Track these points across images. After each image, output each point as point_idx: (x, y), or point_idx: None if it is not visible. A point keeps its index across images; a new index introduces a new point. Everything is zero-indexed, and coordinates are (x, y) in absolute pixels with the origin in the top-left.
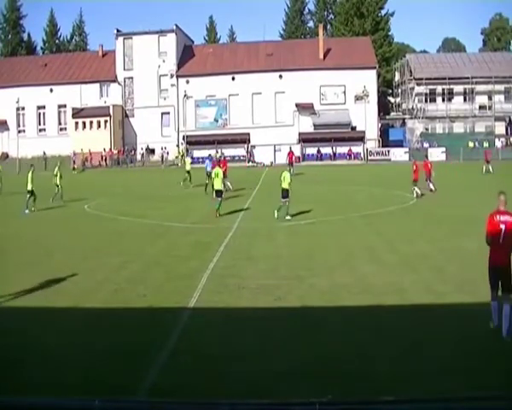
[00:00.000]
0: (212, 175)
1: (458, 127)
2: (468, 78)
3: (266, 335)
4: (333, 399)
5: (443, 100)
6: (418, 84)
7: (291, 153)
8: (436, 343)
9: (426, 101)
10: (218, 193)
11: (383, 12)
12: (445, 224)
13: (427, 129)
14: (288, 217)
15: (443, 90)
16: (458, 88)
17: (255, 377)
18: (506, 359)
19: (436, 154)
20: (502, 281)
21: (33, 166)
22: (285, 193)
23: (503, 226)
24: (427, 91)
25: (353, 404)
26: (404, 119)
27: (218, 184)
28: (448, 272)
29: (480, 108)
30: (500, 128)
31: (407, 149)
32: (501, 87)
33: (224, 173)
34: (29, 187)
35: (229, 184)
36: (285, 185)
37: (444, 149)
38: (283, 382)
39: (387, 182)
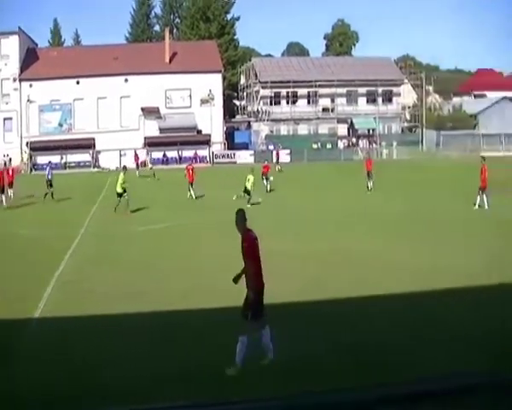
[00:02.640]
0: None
1: (302, 129)
2: (311, 81)
3: (122, 341)
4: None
5: (287, 103)
6: (263, 88)
7: (136, 156)
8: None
9: (271, 104)
10: (118, 195)
11: (229, 16)
12: (293, 224)
13: (272, 131)
14: (248, 205)
15: (287, 93)
16: (302, 91)
17: (120, 383)
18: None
19: (281, 156)
20: (261, 306)
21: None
22: (247, 190)
23: (257, 243)
24: (272, 94)
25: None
26: (249, 121)
27: (118, 188)
28: (296, 272)
29: (323, 110)
30: (342, 130)
31: (252, 152)
32: (343, 90)
33: (11, 183)
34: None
35: (11, 193)
36: (248, 186)
37: (288, 150)
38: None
39: (233, 184)
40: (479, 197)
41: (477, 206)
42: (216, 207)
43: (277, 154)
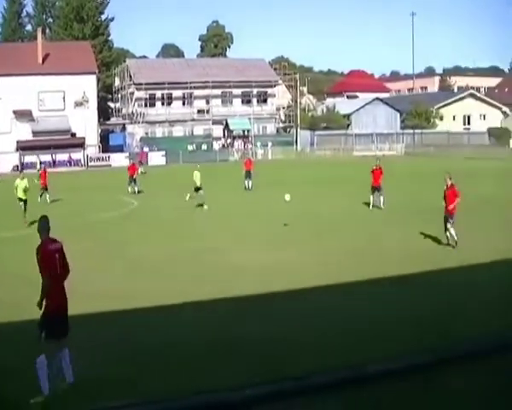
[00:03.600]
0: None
1: (178, 131)
2: (186, 83)
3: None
4: None
5: (162, 104)
6: (138, 89)
7: None
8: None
9: (146, 105)
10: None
11: (103, 17)
12: (165, 226)
13: (147, 133)
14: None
15: (162, 94)
16: (177, 93)
17: None
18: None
19: (156, 157)
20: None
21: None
22: (197, 189)
23: (57, 256)
24: (147, 96)
25: None
26: (124, 124)
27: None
28: (176, 273)
29: (199, 111)
30: (218, 131)
31: (127, 154)
32: (218, 92)
33: None
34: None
35: None
36: (198, 183)
37: (164, 152)
38: None
39: (108, 187)
40: (372, 197)
41: (371, 206)
42: (84, 209)
43: (141, 155)
